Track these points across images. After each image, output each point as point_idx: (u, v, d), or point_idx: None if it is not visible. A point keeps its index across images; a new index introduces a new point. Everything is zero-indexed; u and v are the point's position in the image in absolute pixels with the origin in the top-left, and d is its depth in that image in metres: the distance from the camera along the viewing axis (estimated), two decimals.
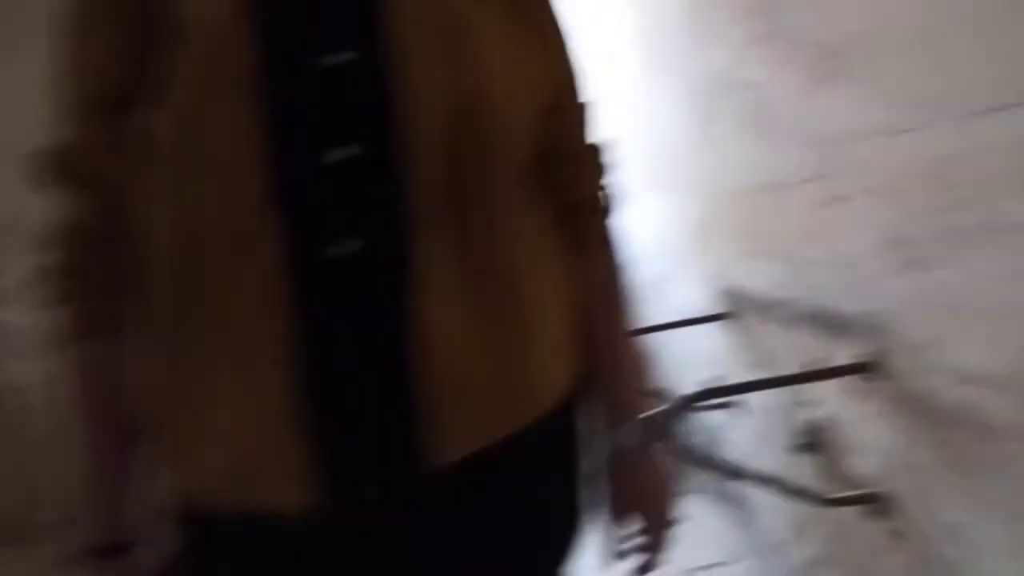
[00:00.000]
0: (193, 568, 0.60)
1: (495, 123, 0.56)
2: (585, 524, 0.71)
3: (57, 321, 0.62)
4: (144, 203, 0.55)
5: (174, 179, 0.52)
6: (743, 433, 1.86)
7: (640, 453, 0.72)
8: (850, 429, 1.33)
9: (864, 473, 1.29)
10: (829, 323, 1.35)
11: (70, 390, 0.62)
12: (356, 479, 0.55)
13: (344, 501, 0.55)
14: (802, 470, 1.50)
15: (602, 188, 0.73)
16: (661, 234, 2.31)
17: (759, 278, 1.65)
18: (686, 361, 2.21)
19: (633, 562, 0.75)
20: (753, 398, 1.70)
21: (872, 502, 1.24)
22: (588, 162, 0.72)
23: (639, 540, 0.74)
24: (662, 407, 0.73)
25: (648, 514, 0.74)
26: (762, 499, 1.75)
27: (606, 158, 0.74)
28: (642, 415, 0.73)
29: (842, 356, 1.27)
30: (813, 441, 1.43)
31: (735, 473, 1.57)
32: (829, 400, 1.38)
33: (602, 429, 0.72)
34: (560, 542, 0.68)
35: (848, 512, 1.30)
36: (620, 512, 0.74)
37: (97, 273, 0.60)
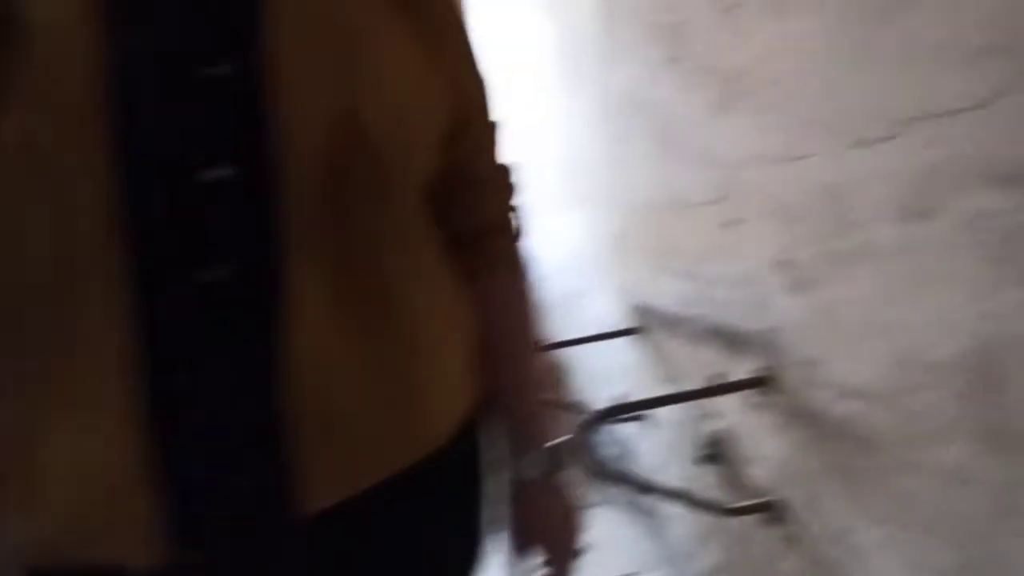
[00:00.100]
0: None
1: (387, 142, 0.52)
2: (486, 557, 0.68)
3: None
4: None
5: (2, 198, 0.46)
6: (652, 445, 1.91)
7: (545, 482, 0.70)
8: (749, 441, 1.39)
9: (761, 483, 1.35)
10: (730, 339, 1.40)
11: None
12: (212, 532, 0.51)
13: (198, 556, 0.50)
14: (706, 480, 1.55)
15: (511, 209, 0.71)
16: (576, 249, 2.35)
17: (666, 294, 1.70)
18: (599, 374, 2.25)
19: None
20: (661, 411, 1.74)
21: (768, 510, 1.29)
22: (496, 183, 0.70)
23: (543, 573, 0.73)
24: (567, 436, 0.71)
25: (552, 546, 0.72)
26: (671, 510, 1.80)
27: (515, 179, 0.72)
28: (548, 443, 0.70)
29: (742, 371, 1.33)
30: (715, 452, 1.48)
31: (644, 487, 1.61)
32: (730, 413, 1.44)
33: (505, 457, 0.70)
34: None
35: (747, 520, 1.35)
36: (523, 544, 0.72)
37: None
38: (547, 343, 2.15)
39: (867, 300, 1.01)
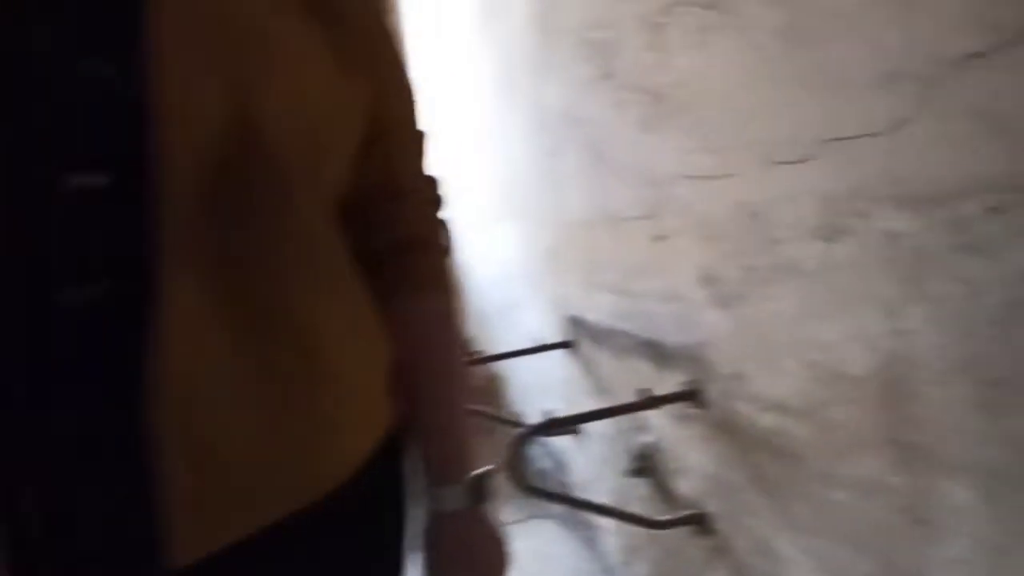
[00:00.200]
0: None
1: (288, 149, 0.48)
2: None
3: None
4: None
5: None
6: (585, 458, 1.91)
7: (469, 514, 0.64)
8: (677, 454, 1.40)
9: (689, 495, 1.37)
10: (659, 353, 1.42)
11: None
12: None
13: None
14: (638, 492, 1.56)
15: (436, 224, 0.68)
16: (511, 262, 2.35)
17: (598, 308, 1.71)
18: (533, 387, 2.25)
19: None
20: (593, 424, 1.75)
21: (696, 523, 1.31)
22: (421, 195, 0.66)
23: None
24: (491, 466, 0.67)
25: None
26: (603, 522, 1.81)
27: (441, 192, 0.69)
28: (473, 472, 0.64)
29: (671, 384, 1.34)
30: (646, 465, 1.50)
31: (575, 503, 1.61)
32: (660, 426, 1.45)
33: (426, 488, 0.64)
34: None
35: (678, 532, 1.36)
36: None
37: None
38: (481, 356, 2.14)
39: (787, 316, 1.04)
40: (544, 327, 2.05)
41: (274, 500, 0.50)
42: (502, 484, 1.27)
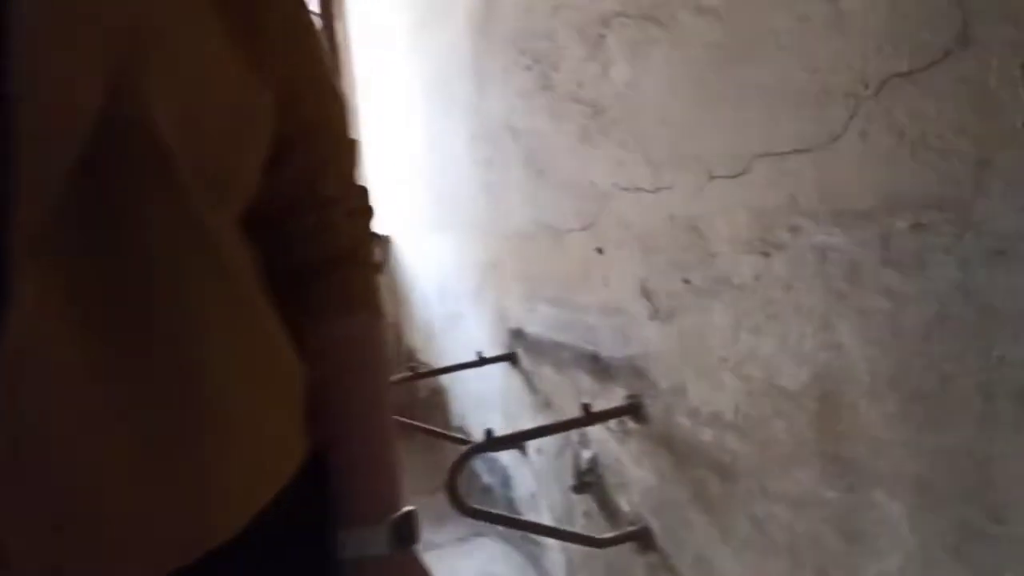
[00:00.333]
0: None
1: (173, 149, 0.43)
2: None
3: None
4: None
5: None
6: (530, 473, 1.89)
7: (393, 562, 0.57)
8: (620, 469, 1.39)
9: (632, 511, 1.35)
10: (600, 367, 1.41)
11: None
12: None
13: None
14: (583, 507, 1.54)
15: (366, 236, 0.63)
16: (453, 273, 2.31)
17: (540, 321, 1.69)
18: (477, 400, 2.22)
19: None
20: (538, 439, 1.73)
21: (638, 539, 1.30)
22: (347, 206, 0.61)
23: None
24: (412, 506, 0.60)
25: None
26: (548, 539, 1.78)
27: (370, 203, 0.64)
28: (398, 512, 0.57)
29: (613, 398, 1.33)
30: (590, 481, 1.48)
31: (519, 525, 1.58)
32: (602, 440, 1.44)
33: (340, 533, 0.57)
34: None
35: (621, 548, 1.35)
36: None
37: None
38: (423, 370, 2.10)
39: (724, 330, 1.04)
40: (487, 340, 2.02)
41: (140, 560, 0.43)
42: (443, 506, 1.24)
